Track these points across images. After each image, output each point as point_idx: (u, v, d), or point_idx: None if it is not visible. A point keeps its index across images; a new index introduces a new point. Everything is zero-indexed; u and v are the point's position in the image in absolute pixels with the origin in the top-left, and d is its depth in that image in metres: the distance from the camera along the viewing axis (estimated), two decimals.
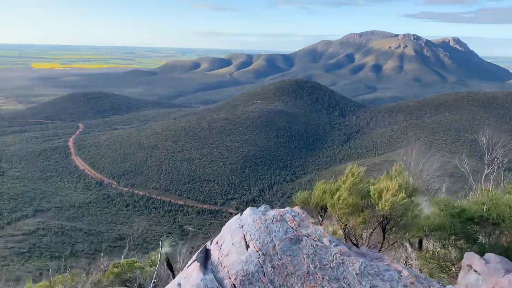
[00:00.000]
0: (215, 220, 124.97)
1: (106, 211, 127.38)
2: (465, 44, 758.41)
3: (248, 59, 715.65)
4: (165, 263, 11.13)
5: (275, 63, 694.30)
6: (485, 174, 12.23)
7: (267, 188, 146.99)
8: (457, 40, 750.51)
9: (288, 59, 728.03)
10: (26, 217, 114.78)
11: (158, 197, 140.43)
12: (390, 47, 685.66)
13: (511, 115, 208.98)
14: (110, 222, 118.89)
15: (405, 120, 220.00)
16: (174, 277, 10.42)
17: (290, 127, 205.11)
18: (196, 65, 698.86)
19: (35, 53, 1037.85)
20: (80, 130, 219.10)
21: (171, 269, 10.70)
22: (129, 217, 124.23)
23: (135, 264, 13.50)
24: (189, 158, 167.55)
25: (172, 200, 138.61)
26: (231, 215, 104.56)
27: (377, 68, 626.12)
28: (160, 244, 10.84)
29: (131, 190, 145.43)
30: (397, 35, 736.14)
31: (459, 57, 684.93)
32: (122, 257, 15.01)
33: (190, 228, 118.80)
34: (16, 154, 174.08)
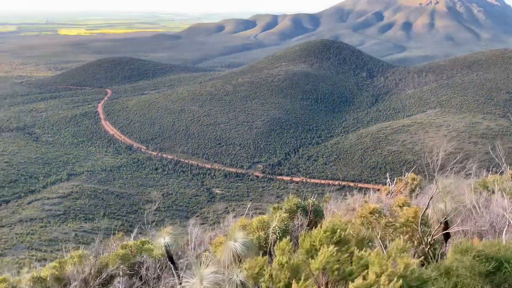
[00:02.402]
0: (241, 183, 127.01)
1: (136, 174, 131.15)
2: None
3: (273, 20, 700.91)
4: (165, 255, 10.52)
5: (301, 23, 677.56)
6: None
7: (293, 152, 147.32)
8: None
9: (314, 19, 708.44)
10: (60, 181, 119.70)
11: (186, 161, 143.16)
12: (420, 3, 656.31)
13: None
14: (140, 185, 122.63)
15: (435, 80, 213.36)
16: (176, 269, 10.13)
17: (316, 89, 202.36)
18: (220, 28, 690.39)
19: (61, 19, 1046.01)
20: (108, 95, 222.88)
21: (173, 261, 10.29)
22: (158, 180, 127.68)
23: (145, 246, 12.53)
24: (215, 122, 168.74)
25: (199, 164, 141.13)
26: (257, 178, 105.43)
27: (407, 26, 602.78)
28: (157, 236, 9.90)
29: (159, 154, 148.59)
30: None
31: (495, 12, 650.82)
32: (132, 236, 14.42)
33: (218, 191, 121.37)
34: (48, 120, 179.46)
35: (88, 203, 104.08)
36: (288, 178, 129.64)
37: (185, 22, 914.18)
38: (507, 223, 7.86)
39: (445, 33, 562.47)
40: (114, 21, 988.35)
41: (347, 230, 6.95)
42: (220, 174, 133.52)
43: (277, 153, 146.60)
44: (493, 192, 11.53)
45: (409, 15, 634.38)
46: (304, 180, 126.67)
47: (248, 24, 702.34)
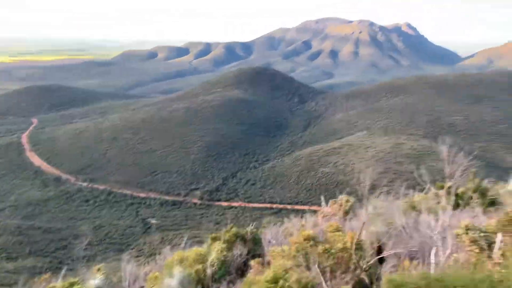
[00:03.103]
0: (179, 211, 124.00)
1: (65, 207, 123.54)
2: (416, 28, 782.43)
3: (206, 48, 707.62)
4: None
5: (234, 51, 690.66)
6: (446, 187, 9.53)
7: (231, 177, 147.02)
8: (409, 25, 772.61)
9: (247, 47, 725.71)
10: None
11: (120, 191, 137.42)
12: (345, 33, 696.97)
13: (462, 97, 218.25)
14: (70, 218, 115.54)
15: (362, 104, 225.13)
16: None
17: (251, 114, 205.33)
18: (153, 55, 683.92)
19: None
20: (34, 125, 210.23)
21: None
22: (89, 212, 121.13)
23: None
24: (150, 149, 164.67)
25: (134, 193, 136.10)
26: (195, 205, 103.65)
27: (334, 54, 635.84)
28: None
29: (90, 185, 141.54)
30: (351, 21, 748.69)
31: (411, 41, 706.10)
32: (60, 276, 12.91)
33: (154, 221, 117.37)
34: None
35: (11, 240, 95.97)
36: (227, 203, 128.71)
37: (117, 49, 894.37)
38: (434, 244, 8.23)
39: (369, 60, 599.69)
40: (41, 48, 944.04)
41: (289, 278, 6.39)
42: (156, 203, 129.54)
43: (214, 178, 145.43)
44: (421, 212, 12.08)
45: (335, 43, 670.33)
46: (242, 205, 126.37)
47: (181, 51, 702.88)
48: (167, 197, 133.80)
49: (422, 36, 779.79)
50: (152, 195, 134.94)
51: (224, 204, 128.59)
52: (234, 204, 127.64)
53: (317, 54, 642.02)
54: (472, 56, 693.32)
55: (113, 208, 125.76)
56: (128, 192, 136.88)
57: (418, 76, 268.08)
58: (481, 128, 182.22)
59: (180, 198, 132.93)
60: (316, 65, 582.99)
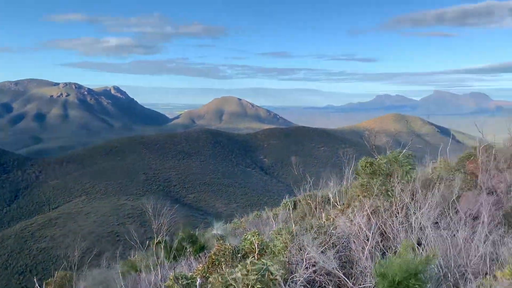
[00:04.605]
0: None
1: None
2: (125, 92, 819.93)
3: None
4: None
5: None
6: (155, 242, 10.08)
7: None
8: (118, 89, 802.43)
9: None
10: None
11: None
12: (52, 95, 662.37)
13: (172, 154, 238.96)
14: None
15: (77, 169, 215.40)
16: None
17: None
18: None
19: None
20: None
21: None
22: None
23: None
24: None
25: None
26: None
27: (40, 117, 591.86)
28: None
29: None
30: (57, 84, 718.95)
31: (121, 104, 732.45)
32: None
33: None
34: None
35: None
36: None
37: None
38: None
39: (80, 123, 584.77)
40: None
41: None
42: None
43: None
44: (141, 271, 12.34)
45: (41, 106, 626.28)
46: None
47: None
48: None
49: (132, 99, 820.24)
50: None
51: None
52: None
53: (20, 117, 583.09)
54: (178, 117, 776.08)
55: None
56: None
57: (131, 137, 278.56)
58: (193, 180, 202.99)
59: None
60: (21, 129, 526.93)
